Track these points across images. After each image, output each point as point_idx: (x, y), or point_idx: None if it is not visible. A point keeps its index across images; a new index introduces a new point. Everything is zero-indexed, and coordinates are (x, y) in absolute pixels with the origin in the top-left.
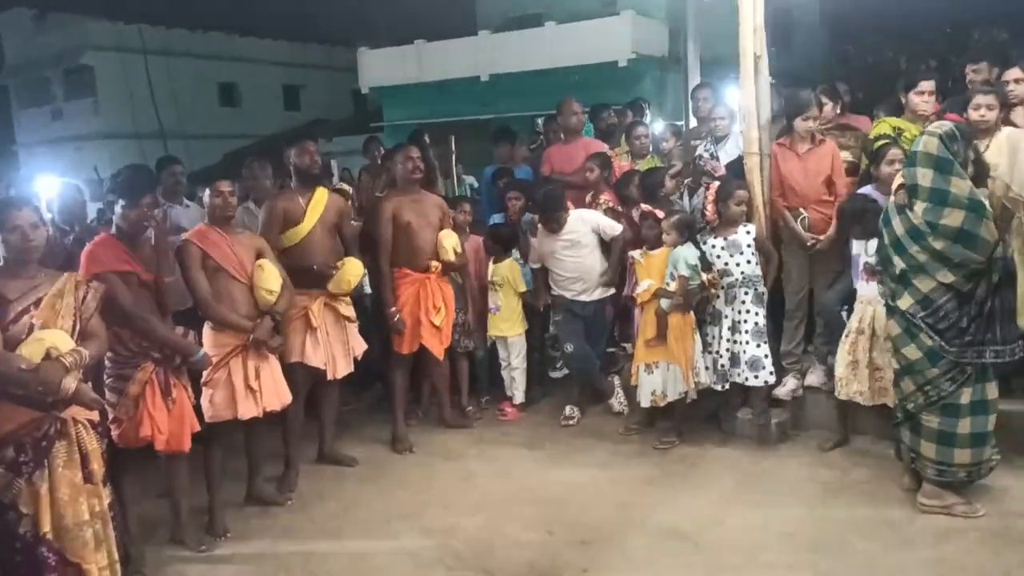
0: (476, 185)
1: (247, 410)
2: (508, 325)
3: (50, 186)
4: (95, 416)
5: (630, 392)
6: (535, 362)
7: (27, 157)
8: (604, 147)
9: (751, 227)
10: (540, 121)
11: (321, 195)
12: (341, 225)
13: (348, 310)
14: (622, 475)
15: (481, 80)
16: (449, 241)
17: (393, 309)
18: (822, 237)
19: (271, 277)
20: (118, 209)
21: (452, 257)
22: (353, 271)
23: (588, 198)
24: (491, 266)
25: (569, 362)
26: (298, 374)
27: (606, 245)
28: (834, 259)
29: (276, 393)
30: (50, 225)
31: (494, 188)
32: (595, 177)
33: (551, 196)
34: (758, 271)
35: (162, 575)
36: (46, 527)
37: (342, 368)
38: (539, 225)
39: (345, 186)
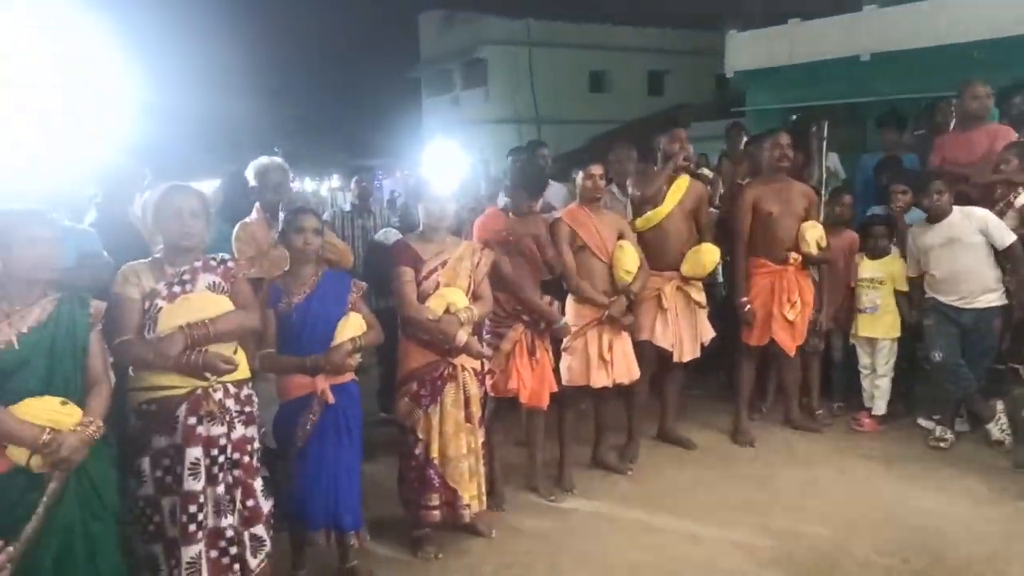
0: (839, 172)
1: (599, 379)
2: (882, 327)
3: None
4: (478, 366)
5: (1017, 420)
6: (902, 372)
7: (429, 139)
8: (1014, 135)
9: None
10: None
11: (682, 181)
12: (699, 211)
13: (699, 295)
14: (999, 514)
15: (861, 60)
16: (812, 233)
17: (745, 299)
18: None
19: (630, 258)
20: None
21: (814, 250)
22: (709, 256)
23: (999, 192)
24: (864, 262)
25: (936, 373)
26: (646, 352)
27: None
28: None
29: (626, 367)
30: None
31: (873, 178)
32: (1012, 169)
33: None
34: None
35: (517, 514)
36: (434, 453)
37: (688, 351)
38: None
39: (706, 171)
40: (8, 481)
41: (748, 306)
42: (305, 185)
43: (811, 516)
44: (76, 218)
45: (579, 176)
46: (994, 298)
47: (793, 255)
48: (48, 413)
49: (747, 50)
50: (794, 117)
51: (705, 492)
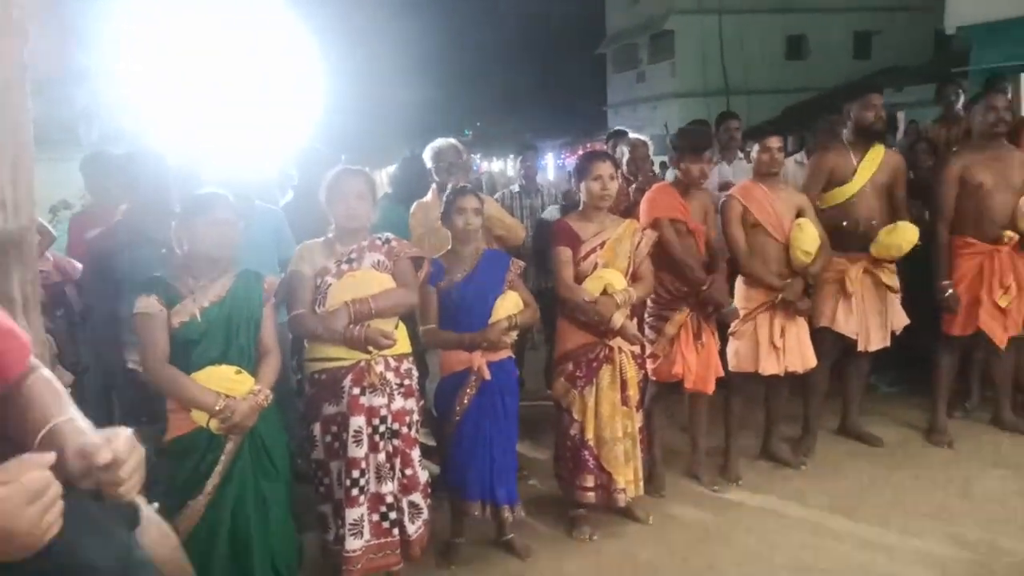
0: None
1: (769, 366)
2: None
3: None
4: (636, 349)
5: None
6: None
7: (613, 116)
8: None
9: None
10: None
11: (876, 153)
12: (895, 186)
13: (891, 278)
14: None
15: None
16: None
17: (946, 283)
18: None
19: (809, 238)
20: (682, 164)
21: None
22: (906, 236)
23: None
24: None
25: None
26: (827, 339)
27: None
28: None
29: (800, 355)
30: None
31: None
32: None
33: None
34: None
35: (677, 502)
36: (589, 434)
37: (876, 340)
38: None
39: None
40: (193, 440)
41: (951, 291)
42: (492, 165)
43: (1017, 530)
44: (271, 199)
45: (755, 149)
46: None
47: (1008, 233)
48: (224, 381)
49: (973, 0)
50: (991, 76)
51: (891, 494)
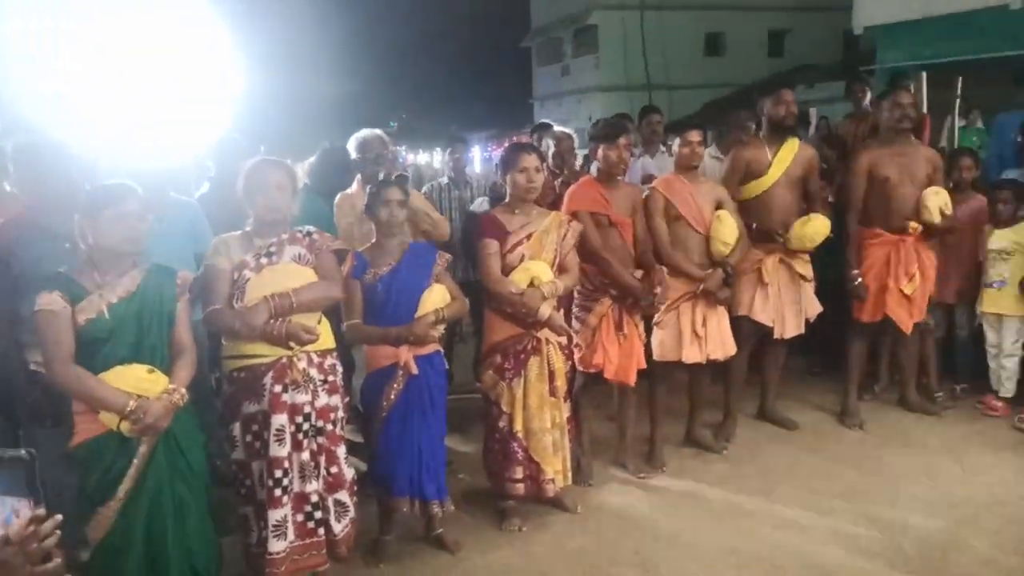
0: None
1: (691, 355)
2: (1009, 303)
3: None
4: (563, 340)
5: None
6: None
7: (539, 109)
8: None
9: None
10: None
11: (790, 147)
12: (808, 179)
13: (805, 268)
14: None
15: (1011, 9)
16: (935, 200)
17: (856, 272)
18: None
19: (728, 229)
20: (600, 152)
21: (936, 218)
22: (817, 228)
23: None
24: (994, 232)
25: None
26: (745, 328)
27: None
28: None
29: (721, 343)
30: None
31: (1012, 138)
32: None
33: None
34: None
35: (605, 490)
36: (518, 426)
37: (791, 328)
38: None
39: None
40: (103, 444)
41: (860, 279)
42: (418, 158)
43: (924, 507)
44: (187, 191)
45: (676, 143)
46: None
47: (913, 224)
48: (136, 381)
49: (878, 3)
50: (895, 74)
51: (806, 476)
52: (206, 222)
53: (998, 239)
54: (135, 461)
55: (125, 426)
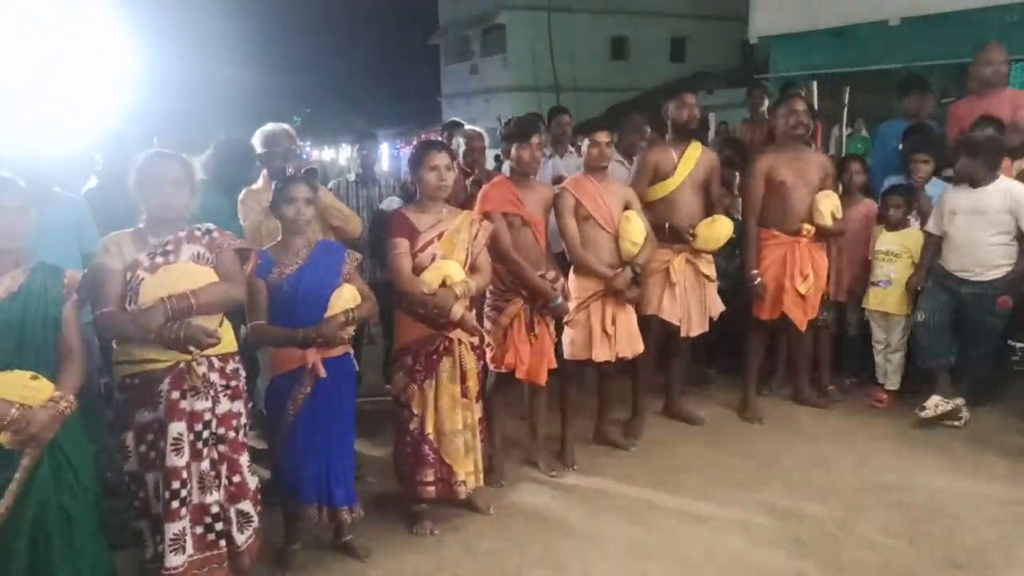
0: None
1: (601, 353)
2: (894, 302)
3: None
4: (475, 340)
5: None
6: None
7: (447, 107)
8: None
9: None
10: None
11: (694, 150)
12: (711, 182)
13: (709, 268)
14: (1013, 496)
15: (890, 25)
16: (827, 203)
17: (755, 271)
18: None
19: (636, 229)
20: (512, 151)
21: (828, 221)
22: (722, 230)
23: (1007, 162)
24: (882, 234)
25: (917, 334)
26: (652, 326)
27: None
28: None
29: (629, 341)
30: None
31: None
32: None
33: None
34: None
35: (516, 490)
36: (429, 428)
37: (696, 326)
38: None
39: None
40: None
41: (759, 279)
42: (323, 154)
43: (816, 494)
44: (72, 186)
45: (585, 144)
46: (997, 273)
47: (806, 226)
48: (18, 388)
49: (771, 14)
50: (787, 82)
51: (710, 469)
52: (92, 219)
53: (886, 241)
54: (17, 475)
55: (5, 437)
